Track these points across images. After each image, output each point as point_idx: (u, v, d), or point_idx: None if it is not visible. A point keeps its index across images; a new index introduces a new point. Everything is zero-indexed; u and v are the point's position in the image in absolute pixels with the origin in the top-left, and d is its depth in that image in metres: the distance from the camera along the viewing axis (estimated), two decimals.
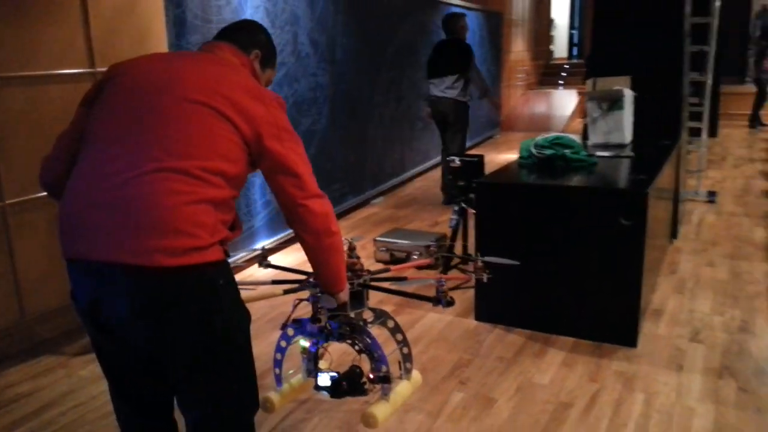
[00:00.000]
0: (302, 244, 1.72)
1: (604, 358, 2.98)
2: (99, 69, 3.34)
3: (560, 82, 13.09)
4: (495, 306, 3.39)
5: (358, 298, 2.10)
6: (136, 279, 1.44)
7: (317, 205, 1.66)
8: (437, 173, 7.42)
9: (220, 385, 1.61)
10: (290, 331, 2.20)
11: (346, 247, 2.15)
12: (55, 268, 3.19)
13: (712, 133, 8.66)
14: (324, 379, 2.11)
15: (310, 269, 2.10)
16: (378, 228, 5.12)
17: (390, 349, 2.16)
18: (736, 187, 6.25)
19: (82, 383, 2.89)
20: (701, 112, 5.85)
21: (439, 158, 6.53)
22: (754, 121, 9.98)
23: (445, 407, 2.63)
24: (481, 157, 3.83)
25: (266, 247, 2.46)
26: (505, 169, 3.74)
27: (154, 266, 1.42)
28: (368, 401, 2.06)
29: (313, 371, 2.15)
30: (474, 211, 3.49)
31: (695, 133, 5.94)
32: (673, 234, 4.67)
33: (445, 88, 5.61)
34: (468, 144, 8.79)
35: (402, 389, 2.12)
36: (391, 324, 2.14)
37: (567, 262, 3.16)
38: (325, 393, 2.11)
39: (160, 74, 1.62)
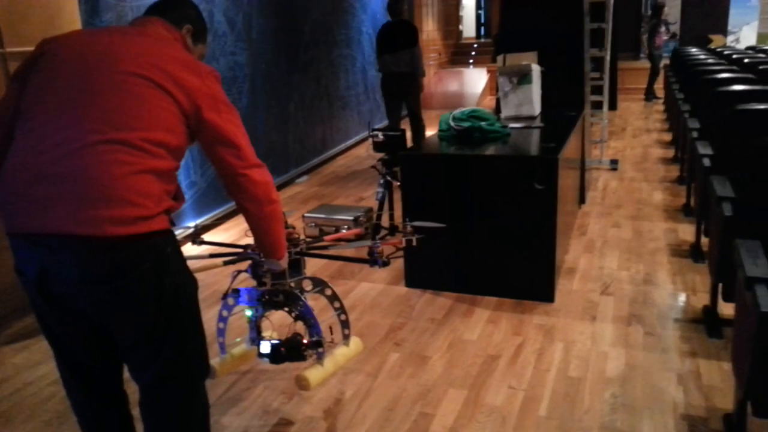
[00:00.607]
0: (244, 213, 1.78)
1: (525, 314, 3.22)
2: (8, 49, 3.22)
3: (470, 61, 13.45)
4: (423, 272, 3.56)
5: (295, 266, 2.19)
6: (86, 249, 1.47)
7: (257, 174, 1.72)
8: (359, 150, 7.55)
9: (170, 349, 1.66)
10: (230, 301, 2.27)
11: None
12: None
13: (613, 106, 9.20)
14: (265, 347, 2.20)
15: (241, 245, 2.18)
16: (305, 205, 5.20)
17: (328, 315, 2.27)
18: (636, 155, 6.72)
19: (16, 370, 2.84)
20: (602, 86, 6.24)
21: (361, 135, 6.72)
22: (649, 95, 10.68)
23: (383, 367, 2.77)
24: (403, 132, 3.96)
25: (200, 225, 2.50)
26: (426, 141, 3.90)
27: (104, 236, 1.46)
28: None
29: (256, 339, 2.23)
30: (398, 183, 3.63)
31: (597, 106, 6.34)
32: (582, 199, 5.01)
33: (398, 62, 6.11)
34: (385, 122, 8.97)
35: (341, 354, 2.24)
36: (328, 292, 2.24)
37: (487, 227, 3.37)
38: (266, 360, 2.21)
39: (94, 48, 1.63)
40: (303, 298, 2.13)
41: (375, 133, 4.04)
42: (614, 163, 6.16)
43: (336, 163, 7.07)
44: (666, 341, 2.90)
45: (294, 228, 2.28)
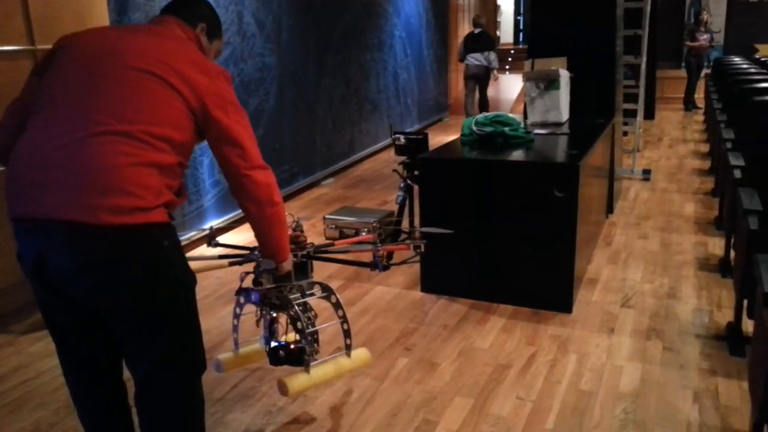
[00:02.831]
0: (245, 213, 1.79)
1: (541, 324, 3.15)
2: (39, 47, 3.30)
3: (506, 67, 13.33)
4: (439, 277, 3.52)
5: (302, 269, 2.19)
6: (80, 236, 1.49)
7: (260, 176, 1.73)
8: (386, 154, 7.53)
9: (163, 343, 1.66)
10: (241, 299, 2.27)
11: (291, 223, 2.23)
12: (0, 248, 3.16)
13: (650, 115, 9.01)
14: (271, 347, 2.20)
15: (250, 248, 2.18)
16: (328, 207, 5.20)
17: (331, 322, 2.26)
18: (671, 166, 6.55)
19: (31, 359, 2.90)
20: (637, 94, 6.11)
21: (390, 139, 6.84)
22: (688, 103, 10.41)
23: (391, 372, 2.74)
24: (425, 135, 3.94)
25: (214, 227, 2.52)
26: (448, 146, 3.87)
27: (98, 224, 1.47)
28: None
29: (267, 339, 2.23)
30: (419, 187, 3.61)
31: (632, 114, 6.21)
32: (609, 209, 4.90)
33: (479, 59, 8.97)
34: (417, 126, 8.96)
35: (337, 364, 2.22)
36: (333, 299, 2.23)
37: (506, 234, 3.31)
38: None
39: (108, 44, 1.68)
40: (294, 304, 2.11)
41: (397, 136, 4.04)
42: (647, 173, 6.01)
43: (362, 167, 7.06)
44: (685, 357, 2.80)
45: (303, 231, 2.27)
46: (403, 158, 4.05)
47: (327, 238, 4.45)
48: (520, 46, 15.66)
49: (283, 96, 5.44)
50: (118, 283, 1.55)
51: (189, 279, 1.70)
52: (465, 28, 11.72)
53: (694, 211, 4.96)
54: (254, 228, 1.84)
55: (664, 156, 7.04)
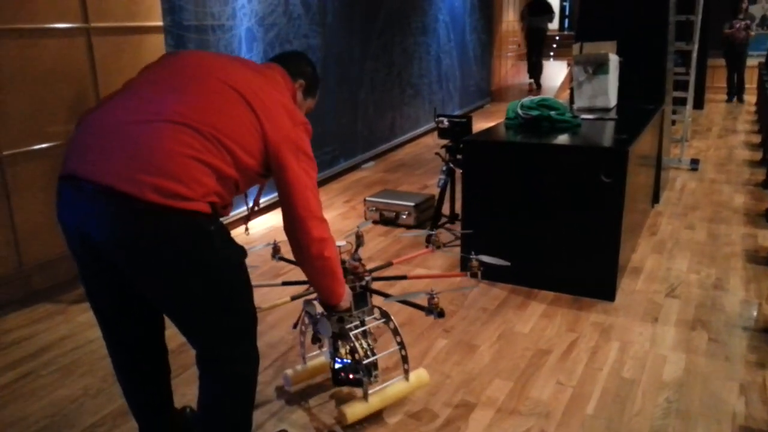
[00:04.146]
0: (296, 258, 1.87)
1: (582, 311, 3.11)
2: (92, 24, 3.37)
3: (551, 53, 13.10)
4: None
5: (362, 297, 2.25)
6: (122, 206, 1.51)
7: (316, 230, 1.79)
8: (427, 139, 7.51)
9: (207, 322, 1.68)
10: (306, 319, 2.32)
11: (343, 248, 2.28)
12: (51, 220, 3.24)
13: (698, 104, 8.74)
14: (335, 365, 2.26)
15: None
16: (368, 190, 5.21)
17: (391, 347, 2.31)
18: (720, 156, 6.37)
19: (80, 328, 2.99)
20: (687, 82, 5.94)
21: (431, 124, 6.94)
22: (729, 95, 10.00)
23: (430, 352, 2.75)
24: (469, 118, 3.91)
25: (278, 241, 2.59)
26: (492, 129, 3.83)
27: (141, 198, 1.50)
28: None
29: (333, 354, 2.27)
30: (461, 171, 3.58)
31: (680, 102, 6.04)
32: (656, 199, 4.79)
33: (538, 22, 10.87)
34: (458, 112, 8.89)
35: (395, 389, 2.27)
36: (392, 325, 2.26)
37: (550, 220, 3.27)
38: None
39: (211, 63, 1.78)
40: (351, 336, 2.16)
41: (440, 119, 4.02)
42: (695, 163, 5.86)
43: (403, 151, 7.05)
44: (731, 349, 2.73)
45: (361, 261, 2.29)
46: (445, 141, 4.03)
47: (367, 220, 4.47)
48: (565, 33, 15.35)
49: (326, 78, 5.45)
50: (156, 265, 1.57)
51: (237, 254, 1.71)
52: (510, 14, 11.55)
53: (744, 202, 4.81)
54: (305, 274, 1.92)
55: (713, 146, 6.85)
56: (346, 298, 2.07)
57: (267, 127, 1.69)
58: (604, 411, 2.32)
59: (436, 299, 2.14)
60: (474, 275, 2.30)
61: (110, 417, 2.33)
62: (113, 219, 1.53)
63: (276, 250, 2.58)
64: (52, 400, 2.45)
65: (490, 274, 3.46)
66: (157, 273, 1.59)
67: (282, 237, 1.94)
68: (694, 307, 3.13)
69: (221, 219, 1.68)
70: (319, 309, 2.12)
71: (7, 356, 2.77)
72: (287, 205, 1.78)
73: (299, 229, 1.78)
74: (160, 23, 3.71)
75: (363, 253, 2.57)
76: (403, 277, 2.55)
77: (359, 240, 2.55)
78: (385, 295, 2.26)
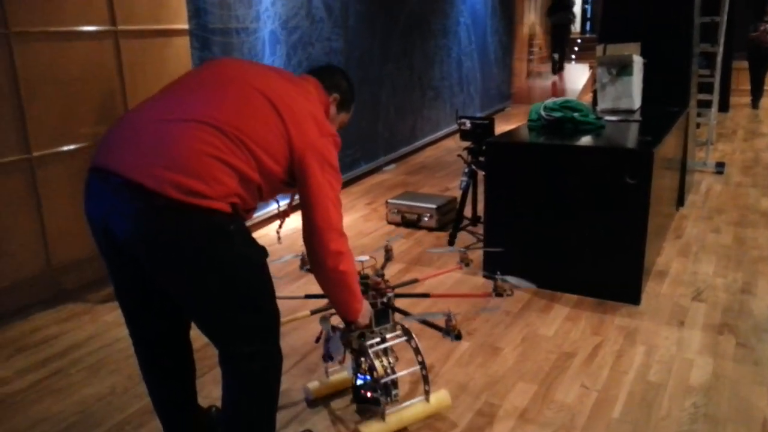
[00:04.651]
0: (312, 269, 1.88)
1: (607, 314, 3.08)
2: (120, 27, 3.42)
3: (572, 56, 13.02)
4: (502, 263, 3.47)
5: (383, 314, 2.23)
6: (142, 201, 1.53)
7: (334, 243, 1.79)
8: (448, 142, 7.51)
9: (225, 317, 1.69)
10: (329, 332, 2.31)
11: (365, 263, 2.28)
12: (80, 221, 3.26)
13: (724, 107, 8.62)
14: (357, 381, 2.27)
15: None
16: (389, 193, 5.22)
17: (412, 366, 2.29)
18: (746, 159, 6.28)
19: (107, 327, 3.03)
20: (712, 84, 5.87)
21: (452, 127, 6.93)
22: (754, 100, 9.75)
23: (453, 354, 2.74)
24: (491, 120, 3.89)
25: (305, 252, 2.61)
26: (515, 131, 3.81)
27: (161, 193, 1.52)
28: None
29: (355, 371, 2.27)
30: (483, 173, 3.58)
31: (705, 105, 5.96)
32: (680, 202, 4.74)
33: (561, 18, 11.70)
34: (478, 114, 8.87)
35: (415, 410, 2.24)
36: (413, 344, 2.24)
37: (573, 222, 3.25)
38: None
39: (246, 70, 1.80)
40: (370, 354, 2.15)
41: (463, 120, 4.01)
42: (720, 167, 5.78)
43: (424, 154, 7.05)
44: (760, 354, 2.69)
45: (383, 277, 2.28)
46: (467, 143, 4.02)
47: (389, 222, 4.48)
48: (587, 35, 15.25)
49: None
50: (175, 261, 1.58)
51: (257, 256, 1.71)
52: (531, 17, 11.51)
53: None
54: (320, 286, 1.91)
55: (738, 149, 6.76)
56: (364, 314, 2.05)
57: (293, 133, 1.70)
58: (630, 415, 2.29)
59: (453, 321, 2.12)
60: (499, 295, 2.27)
61: (137, 415, 2.36)
62: (134, 214, 1.56)
63: (304, 262, 2.54)
64: (80, 397, 2.48)
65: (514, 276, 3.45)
66: (176, 269, 1.61)
67: None
68: (720, 311, 3.09)
69: (243, 219, 1.69)
70: (337, 322, 2.11)
71: (37, 354, 2.81)
72: (307, 214, 1.78)
73: (317, 241, 1.78)
74: (185, 26, 3.76)
75: (380, 255, 2.57)
76: (426, 295, 2.50)
77: (388, 254, 2.55)
78: (405, 313, 2.25)
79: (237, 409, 1.79)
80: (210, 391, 2.43)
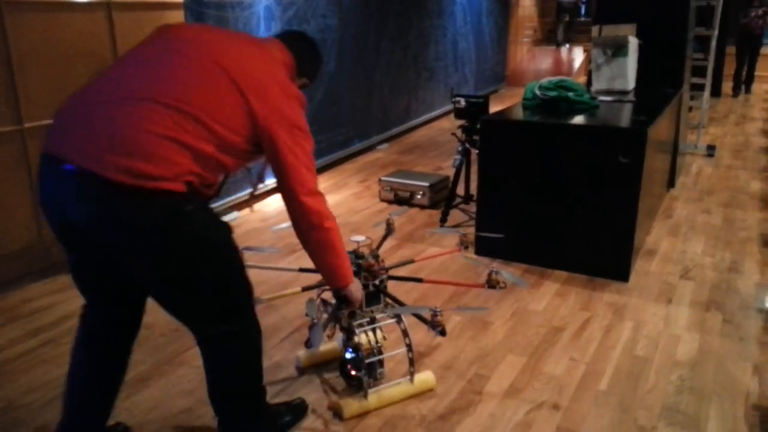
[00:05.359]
0: (298, 238, 1.84)
1: (596, 291, 3.12)
2: None
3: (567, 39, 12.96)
4: (494, 241, 3.50)
5: (375, 295, 2.24)
6: (90, 186, 1.51)
7: (312, 202, 1.75)
8: (442, 123, 7.51)
9: (193, 300, 1.68)
10: (320, 306, 2.33)
11: (362, 243, 2.27)
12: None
13: (716, 92, 8.64)
14: (346, 355, 2.27)
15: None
16: (382, 171, 5.22)
17: (397, 350, 2.32)
18: (736, 143, 6.32)
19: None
20: (705, 68, 5.88)
21: (446, 107, 6.90)
22: (735, 88, 9.71)
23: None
24: (486, 98, 3.90)
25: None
26: (509, 109, 3.82)
27: (108, 178, 1.48)
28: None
29: (345, 345, 2.28)
30: (477, 151, 3.59)
31: (698, 88, 5.98)
32: (671, 183, 4.77)
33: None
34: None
35: (396, 390, 2.26)
36: (402, 326, 2.25)
37: (566, 200, 3.27)
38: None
39: (200, 37, 1.72)
40: (356, 333, 2.17)
41: (457, 99, 4.01)
42: (711, 149, 5.82)
43: (418, 133, 7.05)
44: (745, 330, 2.73)
45: (377, 258, 2.27)
46: (462, 122, 4.02)
47: (382, 200, 4.49)
48: (582, 19, 15.18)
49: (342, 59, 5.45)
50: (132, 246, 1.56)
51: (220, 234, 1.69)
52: None
53: (761, 188, 4.78)
54: (308, 254, 1.87)
55: (729, 133, 6.80)
56: (358, 288, 2.04)
57: (253, 101, 1.64)
58: (616, 387, 2.33)
59: (439, 316, 2.13)
60: (492, 287, 2.28)
61: (127, 384, 2.37)
62: (89, 201, 1.52)
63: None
64: None
65: (505, 253, 3.48)
66: (137, 254, 1.58)
67: None
68: (708, 289, 3.13)
69: (206, 198, 1.66)
70: (329, 297, 2.12)
71: (29, 324, 2.82)
72: (281, 182, 1.73)
73: (296, 208, 1.75)
74: None
75: (375, 233, 2.57)
76: (419, 280, 2.51)
77: (389, 228, 2.55)
78: (394, 302, 2.27)
79: (222, 386, 1.82)
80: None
